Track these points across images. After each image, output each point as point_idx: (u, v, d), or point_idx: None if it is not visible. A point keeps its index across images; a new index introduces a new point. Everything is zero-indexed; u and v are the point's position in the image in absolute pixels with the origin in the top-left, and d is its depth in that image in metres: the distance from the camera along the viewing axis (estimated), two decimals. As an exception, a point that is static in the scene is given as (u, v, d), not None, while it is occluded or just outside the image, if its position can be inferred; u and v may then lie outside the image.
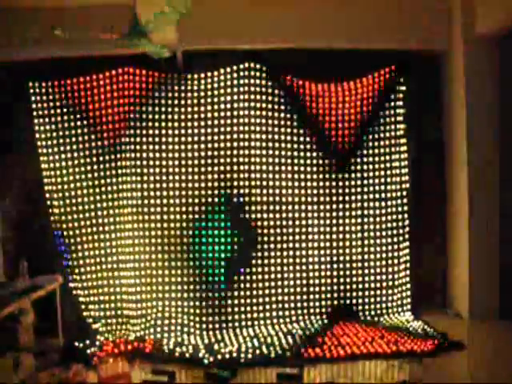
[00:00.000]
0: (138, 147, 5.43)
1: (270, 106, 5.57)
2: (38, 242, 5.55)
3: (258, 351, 4.76)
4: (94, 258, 5.46)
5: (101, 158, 5.45)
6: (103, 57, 5.41)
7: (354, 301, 5.71)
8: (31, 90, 5.45)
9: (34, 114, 5.43)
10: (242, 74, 5.49)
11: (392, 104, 5.73)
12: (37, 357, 4.53)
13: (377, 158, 5.74)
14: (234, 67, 5.49)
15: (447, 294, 6.08)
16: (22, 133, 5.54)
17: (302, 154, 5.64)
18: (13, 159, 5.72)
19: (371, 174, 5.74)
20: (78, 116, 5.45)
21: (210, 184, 5.49)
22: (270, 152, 5.56)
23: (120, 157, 5.43)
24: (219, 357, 4.64)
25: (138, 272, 5.41)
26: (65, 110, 5.44)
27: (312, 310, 5.65)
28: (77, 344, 4.89)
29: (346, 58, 5.70)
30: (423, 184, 5.98)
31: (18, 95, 5.53)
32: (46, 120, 5.44)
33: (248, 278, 5.54)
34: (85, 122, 5.44)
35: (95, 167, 5.45)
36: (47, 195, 5.45)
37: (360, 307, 5.72)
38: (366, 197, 5.73)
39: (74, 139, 5.44)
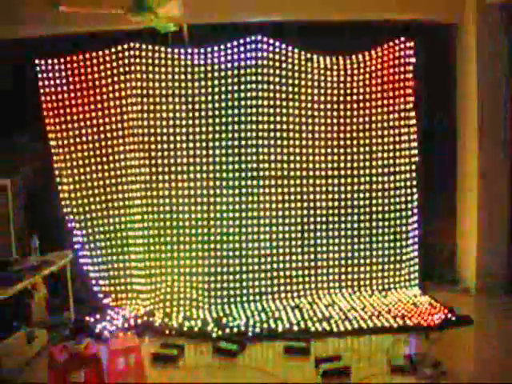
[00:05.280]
0: (145, 123, 5.42)
1: (277, 79, 5.51)
2: (49, 219, 5.58)
3: (265, 325, 4.83)
4: (104, 234, 5.52)
5: (109, 135, 5.46)
6: (109, 32, 5.35)
7: (362, 275, 5.74)
8: (38, 68, 5.43)
9: (41, 91, 5.42)
10: (249, 47, 5.43)
11: (401, 76, 5.64)
12: (49, 331, 4.65)
13: (386, 132, 5.68)
14: (241, 41, 5.43)
15: (456, 269, 6.07)
16: (31, 111, 5.53)
17: (309, 127, 5.61)
18: (23, 137, 5.71)
19: (380, 147, 5.69)
20: (85, 93, 5.43)
21: (217, 158, 5.51)
22: (278, 126, 5.53)
23: (128, 133, 5.43)
24: (227, 330, 4.72)
25: (147, 247, 5.46)
26: (72, 86, 5.42)
27: (320, 285, 5.70)
28: (88, 319, 5.00)
29: (355, 30, 5.58)
30: (433, 157, 5.89)
31: (24, 73, 5.51)
32: (54, 97, 5.42)
33: (256, 252, 5.59)
34: (92, 99, 5.43)
35: (103, 143, 5.46)
36: (57, 172, 5.49)
37: (368, 282, 5.75)
38: (374, 171, 5.69)
39: (81, 116, 5.44)
